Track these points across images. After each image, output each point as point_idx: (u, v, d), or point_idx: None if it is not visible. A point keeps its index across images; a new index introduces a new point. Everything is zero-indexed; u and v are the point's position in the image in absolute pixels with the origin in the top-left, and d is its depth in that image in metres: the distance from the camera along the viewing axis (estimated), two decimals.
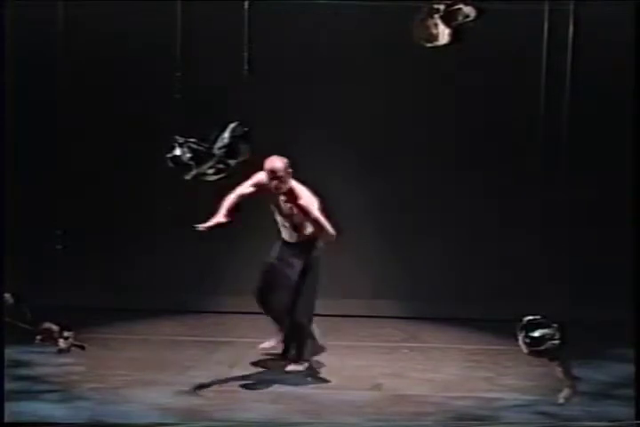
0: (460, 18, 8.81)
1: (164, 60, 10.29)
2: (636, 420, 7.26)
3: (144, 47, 10.33)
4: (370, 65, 10.27)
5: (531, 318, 7.87)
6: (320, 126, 10.09)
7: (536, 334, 7.79)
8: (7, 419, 7.31)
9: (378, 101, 10.28)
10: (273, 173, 8.26)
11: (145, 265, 10.49)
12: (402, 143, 10.47)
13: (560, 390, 7.87)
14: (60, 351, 8.52)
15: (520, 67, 10.33)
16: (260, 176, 8.38)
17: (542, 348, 7.82)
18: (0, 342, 7.34)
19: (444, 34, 8.80)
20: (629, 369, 8.81)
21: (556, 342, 7.81)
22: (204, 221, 8.27)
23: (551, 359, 7.90)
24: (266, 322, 8.76)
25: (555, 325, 7.84)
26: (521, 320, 7.87)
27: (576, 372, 7.97)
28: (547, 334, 7.81)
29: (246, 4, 10.14)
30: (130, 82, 10.38)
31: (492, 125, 10.44)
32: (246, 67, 10.16)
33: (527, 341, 7.81)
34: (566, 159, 10.47)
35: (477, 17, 8.49)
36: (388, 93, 10.28)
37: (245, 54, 10.14)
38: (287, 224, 8.49)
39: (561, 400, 7.84)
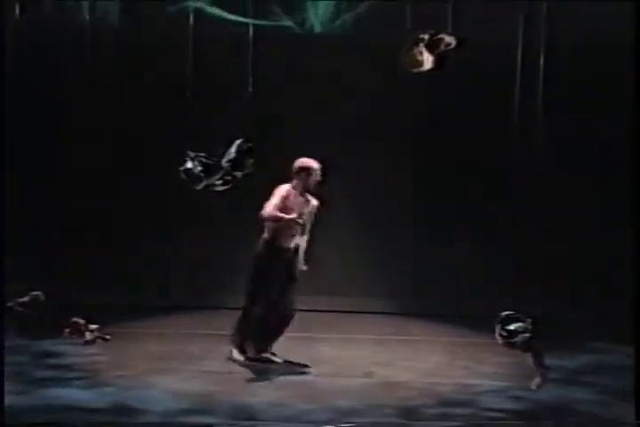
0: (443, 46, 8.77)
1: (177, 77, 10.24)
2: (637, 420, 7.15)
3: (157, 67, 10.24)
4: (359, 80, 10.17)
5: (506, 313, 7.81)
6: (318, 141, 10.03)
7: (511, 327, 7.73)
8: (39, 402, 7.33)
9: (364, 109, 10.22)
10: (311, 170, 8.27)
11: (161, 265, 10.42)
12: (381, 143, 10.30)
13: (532, 378, 7.84)
14: (87, 343, 8.56)
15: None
16: (283, 190, 8.30)
17: (516, 340, 7.76)
18: (0, 343, 7.25)
19: (428, 61, 8.78)
20: (593, 359, 8.95)
21: (529, 335, 7.74)
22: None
23: (524, 350, 7.83)
24: None
25: (528, 319, 7.78)
26: (498, 315, 7.81)
27: (547, 361, 7.90)
28: (520, 328, 7.75)
29: (251, 31, 10.11)
30: (146, 97, 10.32)
31: (464, 133, 10.26)
32: (250, 88, 10.16)
33: (503, 333, 7.75)
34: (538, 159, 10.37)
35: (458, 45, 8.48)
36: (374, 107, 10.22)
37: (250, 78, 10.15)
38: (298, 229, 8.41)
39: (533, 387, 7.81)
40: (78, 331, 8.53)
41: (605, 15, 9.64)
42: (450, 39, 8.86)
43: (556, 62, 10.20)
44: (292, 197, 8.25)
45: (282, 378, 8.17)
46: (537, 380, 7.83)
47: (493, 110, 10.22)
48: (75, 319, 8.53)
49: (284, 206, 8.20)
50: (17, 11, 9.97)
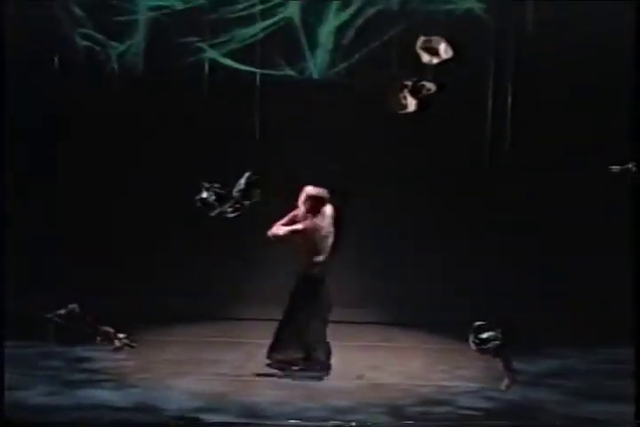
0: (424, 91, 8.86)
1: (194, 118, 10.15)
2: (636, 420, 7.09)
3: (178, 109, 10.11)
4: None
5: (479, 323, 7.83)
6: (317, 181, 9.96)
7: (483, 336, 7.75)
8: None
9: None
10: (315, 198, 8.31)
11: (183, 279, 10.23)
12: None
13: (502, 380, 7.87)
14: (116, 349, 8.51)
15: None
16: (292, 213, 8.39)
17: (487, 347, 7.79)
18: (0, 342, 7.29)
19: (411, 104, 8.87)
20: (557, 364, 8.87)
21: (499, 342, 7.77)
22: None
23: (494, 356, 7.84)
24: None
25: (498, 329, 7.80)
26: (471, 325, 7.85)
27: (515, 365, 7.93)
28: (491, 336, 7.76)
29: (258, 78, 10.19)
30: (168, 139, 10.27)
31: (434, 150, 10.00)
32: (258, 128, 10.22)
33: (476, 341, 7.77)
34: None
35: (438, 90, 8.54)
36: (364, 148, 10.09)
37: (257, 119, 10.21)
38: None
39: (503, 388, 7.87)
40: (108, 339, 8.48)
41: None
42: (430, 85, 8.90)
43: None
44: (300, 215, 8.29)
45: (284, 380, 8.19)
46: (506, 382, 7.87)
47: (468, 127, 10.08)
48: (105, 328, 8.56)
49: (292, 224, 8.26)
50: (56, 61, 10.05)
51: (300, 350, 8.35)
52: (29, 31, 9.74)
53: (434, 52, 8.43)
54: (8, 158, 8.42)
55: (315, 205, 8.34)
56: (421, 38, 8.22)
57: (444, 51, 8.39)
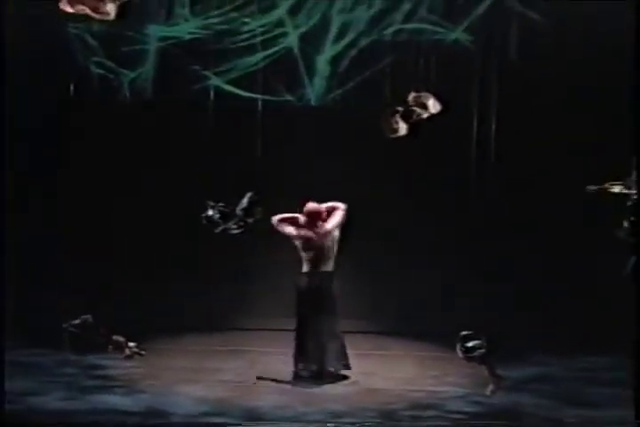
0: (415, 116, 8.96)
1: (200, 141, 10.14)
2: (636, 420, 6.98)
3: (185, 133, 10.12)
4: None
5: (465, 332, 7.95)
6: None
7: (469, 344, 7.87)
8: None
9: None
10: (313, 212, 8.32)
11: (190, 292, 10.15)
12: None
13: (487, 385, 7.93)
14: (126, 357, 8.62)
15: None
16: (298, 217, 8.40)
17: (474, 355, 7.90)
18: (0, 343, 7.28)
19: (402, 128, 8.96)
20: (537, 370, 8.80)
21: (484, 350, 7.87)
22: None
23: (480, 363, 7.95)
24: (285, 337, 8.66)
25: (483, 338, 7.91)
26: (459, 334, 7.95)
27: (499, 372, 8.00)
28: (477, 345, 7.87)
29: (260, 104, 10.17)
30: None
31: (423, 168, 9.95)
32: (259, 150, 10.26)
33: (463, 349, 7.89)
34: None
35: (429, 116, 8.64)
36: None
37: (259, 141, 10.25)
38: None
39: (488, 393, 7.91)
40: (119, 347, 8.57)
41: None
42: (420, 111, 9.04)
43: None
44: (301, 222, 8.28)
45: (283, 385, 8.19)
46: (491, 387, 7.93)
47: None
48: (117, 338, 8.63)
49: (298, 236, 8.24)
50: (72, 89, 10.13)
51: (319, 360, 8.32)
52: (44, 51, 9.78)
53: (423, 106, 8.61)
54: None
55: (314, 218, 8.36)
56: (412, 94, 8.42)
57: (433, 106, 8.63)
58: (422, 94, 8.60)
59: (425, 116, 8.63)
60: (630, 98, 7.75)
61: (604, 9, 9.32)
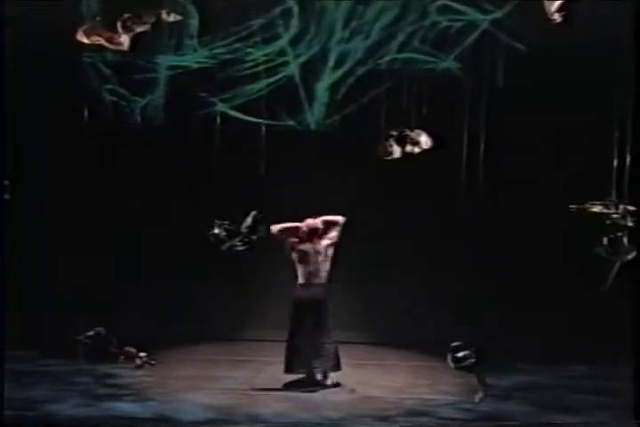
0: (408, 140, 9.04)
1: (208, 164, 10.08)
2: (636, 420, 6.96)
3: (193, 156, 10.02)
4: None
5: (456, 343, 8.00)
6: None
7: (459, 354, 7.94)
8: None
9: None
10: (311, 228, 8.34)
11: (196, 305, 10.12)
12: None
13: (476, 393, 7.95)
14: (137, 367, 8.63)
15: None
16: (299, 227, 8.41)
17: (464, 364, 7.94)
18: (0, 343, 7.26)
19: (397, 151, 9.03)
20: (524, 379, 8.77)
21: (473, 360, 7.94)
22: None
23: (470, 372, 8.01)
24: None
25: (472, 348, 7.96)
26: (450, 345, 8.00)
27: (488, 380, 8.06)
28: (467, 355, 7.94)
29: (263, 129, 10.19)
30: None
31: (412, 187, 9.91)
32: (263, 171, 10.29)
33: (453, 359, 7.95)
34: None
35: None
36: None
37: (262, 163, 10.29)
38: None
39: (477, 400, 7.92)
40: (131, 358, 8.59)
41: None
42: (414, 135, 9.11)
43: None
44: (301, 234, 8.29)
45: (285, 393, 8.18)
46: (480, 395, 7.96)
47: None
48: (128, 349, 8.65)
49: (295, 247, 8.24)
50: (85, 114, 10.22)
51: (310, 366, 8.31)
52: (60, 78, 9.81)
53: (416, 143, 8.71)
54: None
55: (312, 233, 8.37)
56: (407, 131, 8.55)
57: (425, 142, 8.76)
58: (415, 131, 8.72)
59: (417, 151, 8.77)
60: (617, 132, 7.79)
61: (590, 41, 9.31)
